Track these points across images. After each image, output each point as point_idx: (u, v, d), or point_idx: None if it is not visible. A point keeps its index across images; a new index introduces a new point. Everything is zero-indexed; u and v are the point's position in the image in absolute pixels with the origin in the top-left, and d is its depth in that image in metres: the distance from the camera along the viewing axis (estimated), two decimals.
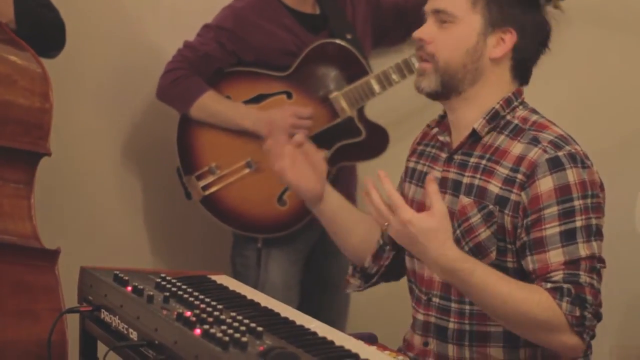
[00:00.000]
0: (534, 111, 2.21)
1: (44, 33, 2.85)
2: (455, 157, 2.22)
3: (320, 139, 3.28)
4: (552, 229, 2.06)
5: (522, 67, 2.21)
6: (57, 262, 2.70)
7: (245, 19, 3.29)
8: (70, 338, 2.58)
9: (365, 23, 3.41)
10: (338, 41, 3.31)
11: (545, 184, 2.07)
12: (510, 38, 2.16)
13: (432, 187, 1.98)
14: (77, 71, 3.36)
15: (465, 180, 2.18)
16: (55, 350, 2.53)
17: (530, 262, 2.08)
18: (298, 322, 1.93)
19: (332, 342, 1.81)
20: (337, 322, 3.34)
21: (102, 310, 2.11)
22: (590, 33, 3.60)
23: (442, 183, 2.21)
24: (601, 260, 2.09)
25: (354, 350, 1.77)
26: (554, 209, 2.06)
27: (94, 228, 3.47)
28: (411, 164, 2.36)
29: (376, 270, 2.40)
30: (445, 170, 2.23)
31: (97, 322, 2.13)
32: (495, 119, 2.18)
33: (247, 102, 3.28)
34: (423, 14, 2.23)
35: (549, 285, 2.04)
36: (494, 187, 2.12)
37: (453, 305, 2.19)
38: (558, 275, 2.04)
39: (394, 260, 2.39)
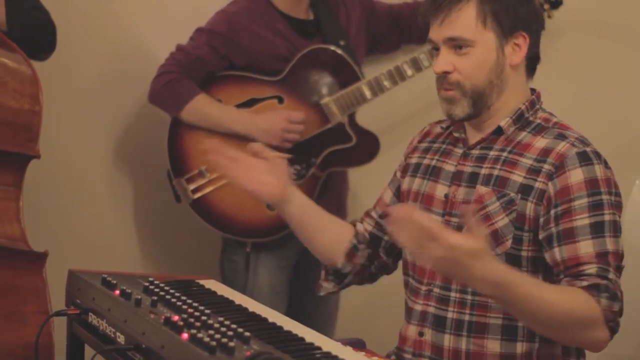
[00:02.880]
0: (552, 114, 2.27)
1: (35, 35, 2.84)
2: (473, 151, 2.25)
3: (311, 144, 3.28)
4: (582, 220, 2.10)
5: (534, 62, 2.27)
6: (44, 265, 2.69)
7: (238, 23, 3.28)
8: (57, 341, 2.58)
9: (359, 30, 3.41)
10: (331, 47, 3.31)
11: (576, 175, 2.12)
12: (524, 41, 2.21)
13: (473, 215, 1.96)
14: (68, 73, 3.35)
15: (484, 171, 2.21)
16: (42, 353, 2.52)
17: (558, 253, 2.10)
18: (286, 328, 1.93)
19: (319, 348, 1.81)
20: (325, 327, 3.34)
21: (90, 313, 2.10)
22: (584, 42, 3.60)
23: (457, 176, 2.25)
24: (622, 257, 2.13)
25: (341, 355, 1.77)
26: (584, 201, 2.10)
27: (83, 231, 3.46)
28: (414, 160, 2.37)
29: (350, 269, 2.41)
30: (461, 164, 2.26)
31: (85, 325, 2.13)
32: (520, 119, 2.23)
33: (238, 106, 3.28)
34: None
35: (584, 282, 2.05)
36: (518, 176, 2.16)
37: (453, 294, 2.20)
38: (591, 269, 2.07)
39: (369, 259, 2.41)
